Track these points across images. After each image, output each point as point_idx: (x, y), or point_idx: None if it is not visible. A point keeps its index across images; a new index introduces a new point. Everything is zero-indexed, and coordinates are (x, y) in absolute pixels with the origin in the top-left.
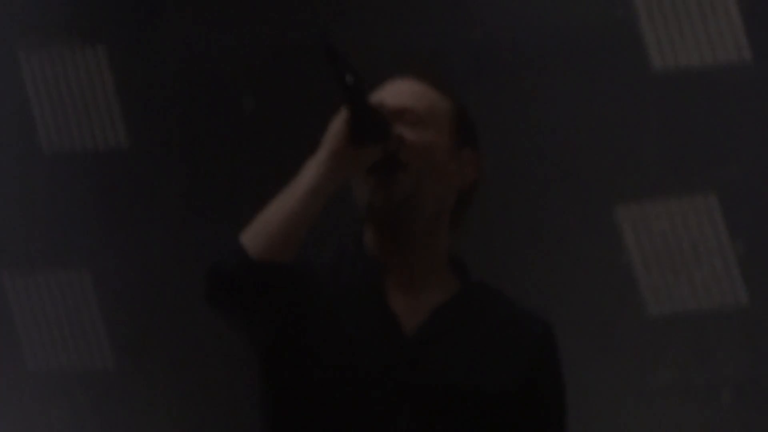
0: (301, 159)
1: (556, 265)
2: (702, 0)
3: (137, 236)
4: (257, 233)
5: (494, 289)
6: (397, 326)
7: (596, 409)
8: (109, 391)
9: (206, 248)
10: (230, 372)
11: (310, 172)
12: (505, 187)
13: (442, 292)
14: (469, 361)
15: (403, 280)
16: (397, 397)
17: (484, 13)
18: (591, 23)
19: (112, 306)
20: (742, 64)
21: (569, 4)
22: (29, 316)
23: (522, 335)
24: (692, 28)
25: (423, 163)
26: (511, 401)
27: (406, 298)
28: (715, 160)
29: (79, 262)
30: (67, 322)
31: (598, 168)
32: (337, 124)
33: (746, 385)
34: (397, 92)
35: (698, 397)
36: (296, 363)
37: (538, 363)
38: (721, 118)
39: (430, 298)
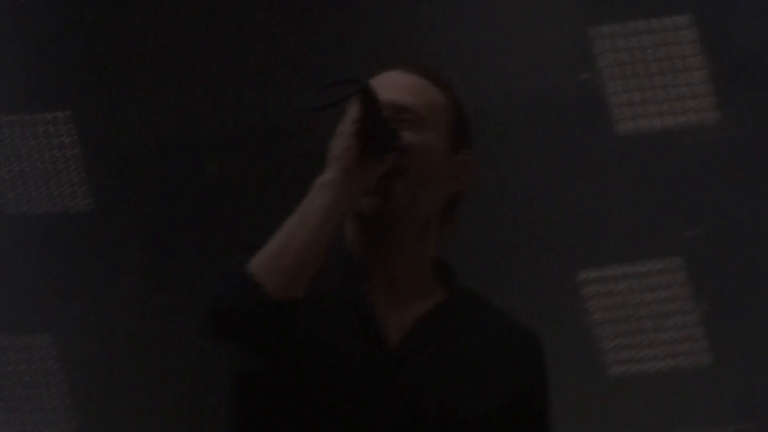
0: (265, 222)
1: None
2: (665, 63)
3: (99, 299)
4: (271, 267)
5: (482, 297)
6: (380, 337)
7: None
8: None
9: (168, 313)
10: None
11: (323, 194)
12: (470, 250)
13: (427, 299)
14: (452, 380)
15: (388, 285)
16: (377, 414)
17: (449, 77)
18: (557, 87)
19: (74, 370)
20: (704, 126)
21: (535, 67)
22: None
23: (509, 350)
24: (654, 91)
25: (422, 168)
26: (494, 422)
27: (390, 305)
28: (680, 223)
29: (41, 325)
30: (31, 386)
31: (562, 231)
32: (344, 141)
33: None
34: (396, 87)
35: None
36: (278, 373)
37: (527, 381)
38: (684, 181)
39: (415, 306)
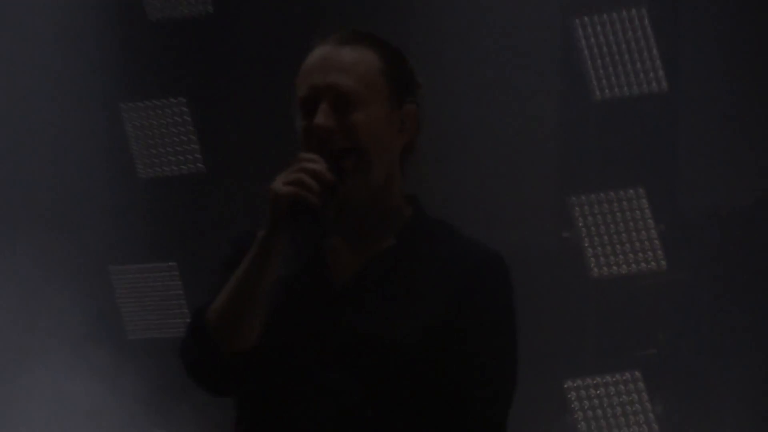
0: None
1: None
2: (623, 226)
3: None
4: (221, 327)
5: (449, 226)
6: (328, 279)
7: None
8: None
9: None
10: None
11: (260, 250)
12: None
13: (388, 236)
14: (390, 312)
15: (356, 232)
16: (323, 350)
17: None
18: (543, 241)
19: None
20: (656, 271)
21: (524, 225)
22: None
23: (451, 273)
24: (621, 245)
25: (370, 143)
26: (433, 346)
27: (353, 251)
28: (639, 344)
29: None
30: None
31: (548, 350)
32: (278, 194)
33: None
34: (333, 67)
35: None
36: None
37: (460, 297)
38: (642, 312)
39: (377, 246)
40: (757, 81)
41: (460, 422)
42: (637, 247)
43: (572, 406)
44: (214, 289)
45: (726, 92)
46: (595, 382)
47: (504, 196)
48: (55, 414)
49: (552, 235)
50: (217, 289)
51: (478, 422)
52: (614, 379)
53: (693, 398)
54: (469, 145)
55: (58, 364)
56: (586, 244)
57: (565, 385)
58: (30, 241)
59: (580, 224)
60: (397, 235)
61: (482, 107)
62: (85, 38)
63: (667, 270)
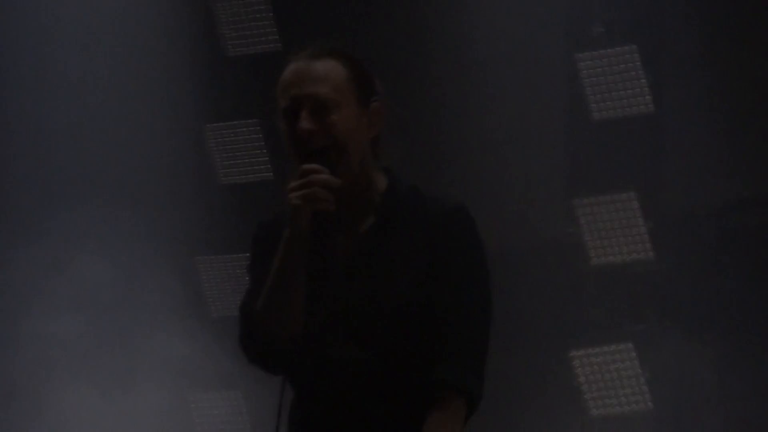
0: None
1: None
2: (616, 223)
3: None
4: (274, 317)
5: (417, 190)
6: (329, 257)
7: None
8: None
9: None
10: None
11: (289, 248)
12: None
13: (370, 215)
14: (383, 281)
15: (347, 214)
16: (335, 326)
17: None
18: (551, 235)
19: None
20: (644, 260)
21: (536, 222)
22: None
23: (425, 231)
24: (615, 238)
25: (348, 138)
26: (423, 296)
27: (345, 232)
28: (631, 321)
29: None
30: None
31: (555, 327)
32: (298, 200)
33: None
34: (311, 79)
35: None
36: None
37: (435, 248)
38: (631, 298)
39: (360, 227)
40: (728, 104)
41: (449, 356)
42: (629, 240)
43: (576, 371)
44: (253, 284)
45: (702, 114)
46: (594, 351)
47: (519, 198)
48: (162, 373)
49: (559, 230)
50: (255, 284)
51: (465, 340)
52: (611, 349)
53: (676, 366)
54: (492, 156)
55: (161, 334)
56: (587, 238)
57: (570, 354)
58: (135, 234)
59: (582, 221)
60: (377, 211)
61: (502, 125)
62: (178, 70)
63: (654, 259)
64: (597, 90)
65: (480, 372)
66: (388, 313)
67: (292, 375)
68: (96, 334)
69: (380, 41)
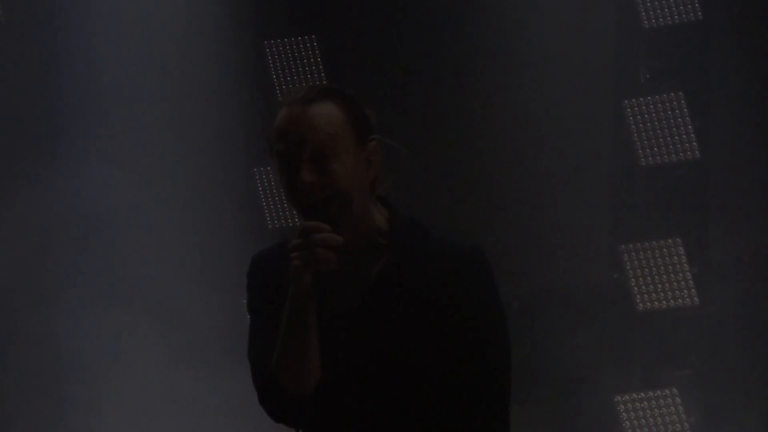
0: None
1: None
2: (667, 260)
3: None
4: (287, 375)
5: (421, 227)
6: (342, 306)
7: None
8: None
9: None
10: None
11: (296, 305)
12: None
13: (378, 259)
14: (396, 328)
15: (349, 263)
16: (351, 374)
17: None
18: (598, 281)
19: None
20: (688, 306)
21: (583, 267)
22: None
23: (437, 274)
24: (661, 285)
25: (348, 184)
26: (441, 345)
27: (353, 278)
28: (676, 366)
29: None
30: None
31: (600, 372)
32: (299, 262)
33: None
34: (308, 126)
35: None
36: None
37: (453, 292)
38: (677, 340)
39: (369, 273)
40: None
41: (471, 405)
42: (674, 286)
43: (621, 416)
44: (256, 332)
45: (747, 160)
46: (639, 396)
47: (567, 243)
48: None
49: (605, 276)
50: (258, 331)
51: (487, 391)
52: (655, 395)
53: (720, 411)
54: (541, 201)
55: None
56: (633, 284)
57: (615, 399)
58: None
59: (628, 267)
60: (388, 253)
61: (551, 170)
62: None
63: (700, 305)
64: (644, 136)
65: (505, 419)
66: (403, 361)
67: (312, 428)
68: None
69: (434, 98)
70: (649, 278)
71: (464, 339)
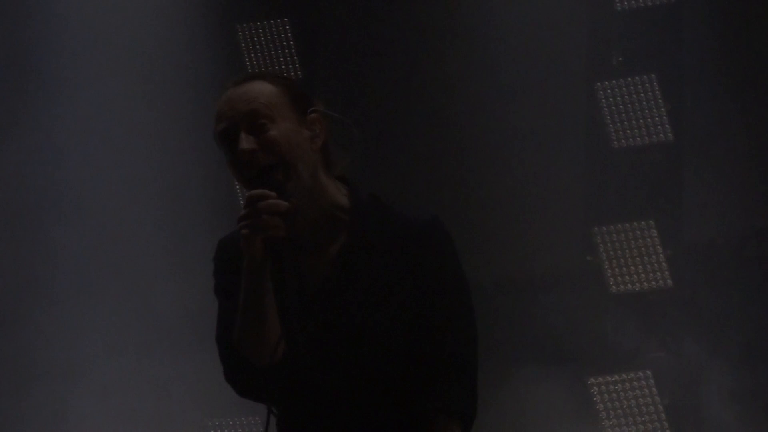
0: None
1: None
2: (641, 242)
3: None
4: (252, 347)
5: (381, 202)
6: (303, 285)
7: None
8: None
9: None
10: None
11: (251, 277)
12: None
13: (340, 234)
14: (362, 300)
15: (310, 236)
16: (314, 347)
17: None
18: (571, 263)
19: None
20: (666, 288)
21: (556, 250)
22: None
23: (400, 246)
24: (634, 267)
25: (289, 151)
26: (407, 313)
27: (313, 251)
28: (650, 348)
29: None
30: None
31: (574, 354)
32: (248, 232)
33: None
34: (247, 99)
35: None
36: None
37: (414, 263)
38: (655, 321)
39: (333, 245)
40: (746, 133)
41: (438, 375)
42: (648, 269)
43: (595, 398)
44: (221, 312)
45: (721, 142)
46: (613, 379)
47: (540, 226)
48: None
49: (579, 258)
50: (224, 312)
51: (453, 359)
52: (629, 377)
53: (694, 393)
54: (512, 183)
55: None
56: (606, 266)
57: (589, 382)
58: None
59: (602, 249)
60: (347, 230)
61: (522, 153)
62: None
63: (673, 287)
64: (616, 118)
65: (473, 390)
66: (369, 334)
67: (277, 402)
68: None
69: (407, 81)
70: (622, 260)
71: (428, 307)
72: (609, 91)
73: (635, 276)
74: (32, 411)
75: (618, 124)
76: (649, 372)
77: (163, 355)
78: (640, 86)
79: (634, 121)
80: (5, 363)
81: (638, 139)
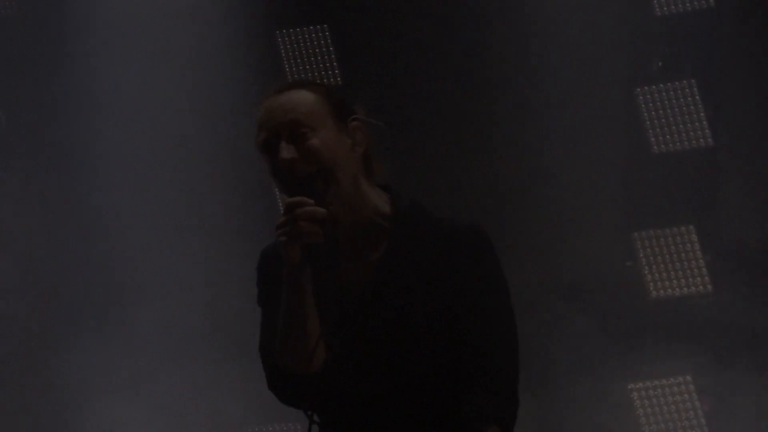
0: None
1: None
2: (680, 247)
3: None
4: (295, 358)
5: (423, 208)
6: (343, 293)
7: None
8: None
9: None
10: None
11: (291, 285)
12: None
13: (381, 241)
14: (402, 308)
15: (350, 244)
16: (356, 354)
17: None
18: (611, 268)
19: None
20: (702, 294)
21: (597, 255)
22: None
23: (448, 257)
24: (673, 271)
25: (330, 159)
26: (448, 325)
27: (356, 259)
28: (690, 354)
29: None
30: None
31: (614, 359)
32: (287, 241)
33: None
34: (288, 108)
35: None
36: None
37: (455, 269)
38: (694, 327)
39: (375, 252)
40: None
41: (480, 371)
42: (687, 273)
43: (635, 404)
44: (265, 321)
45: (760, 147)
46: (653, 384)
47: (580, 232)
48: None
49: (618, 263)
50: (267, 321)
51: (493, 365)
52: (669, 382)
53: (734, 398)
54: (553, 189)
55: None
56: (646, 271)
57: (629, 387)
58: None
59: (641, 255)
60: (388, 237)
61: (563, 159)
62: None
63: (713, 292)
64: (656, 123)
65: (513, 395)
66: (409, 341)
67: (319, 409)
68: None
69: (447, 87)
70: (662, 265)
71: (468, 313)
72: (649, 96)
73: (675, 281)
74: (86, 424)
75: (658, 129)
76: (689, 377)
77: (204, 363)
78: (680, 91)
79: (674, 126)
80: (60, 378)
81: (678, 144)
